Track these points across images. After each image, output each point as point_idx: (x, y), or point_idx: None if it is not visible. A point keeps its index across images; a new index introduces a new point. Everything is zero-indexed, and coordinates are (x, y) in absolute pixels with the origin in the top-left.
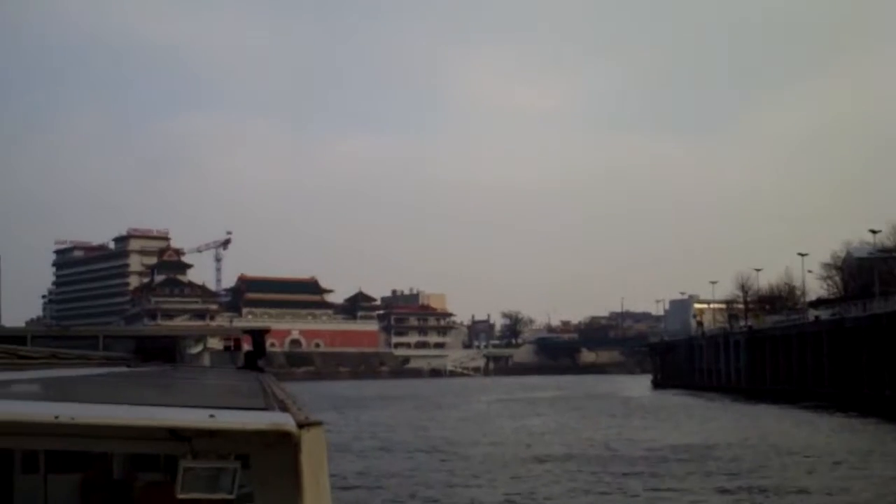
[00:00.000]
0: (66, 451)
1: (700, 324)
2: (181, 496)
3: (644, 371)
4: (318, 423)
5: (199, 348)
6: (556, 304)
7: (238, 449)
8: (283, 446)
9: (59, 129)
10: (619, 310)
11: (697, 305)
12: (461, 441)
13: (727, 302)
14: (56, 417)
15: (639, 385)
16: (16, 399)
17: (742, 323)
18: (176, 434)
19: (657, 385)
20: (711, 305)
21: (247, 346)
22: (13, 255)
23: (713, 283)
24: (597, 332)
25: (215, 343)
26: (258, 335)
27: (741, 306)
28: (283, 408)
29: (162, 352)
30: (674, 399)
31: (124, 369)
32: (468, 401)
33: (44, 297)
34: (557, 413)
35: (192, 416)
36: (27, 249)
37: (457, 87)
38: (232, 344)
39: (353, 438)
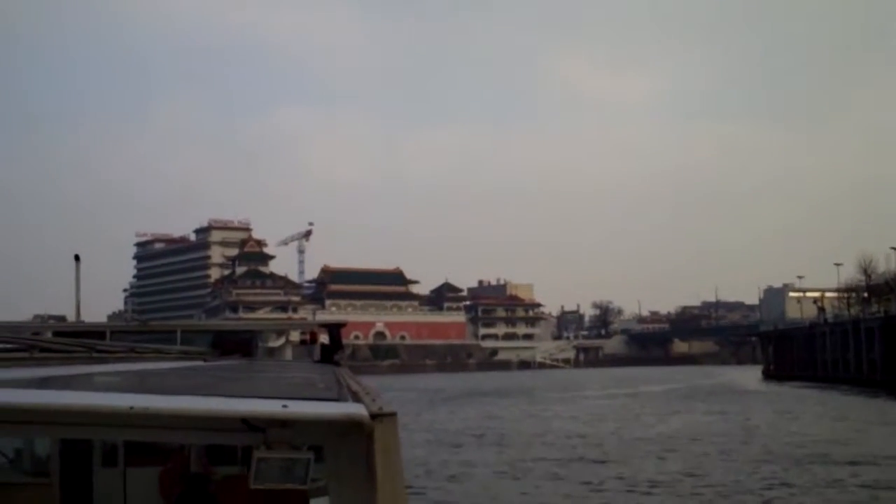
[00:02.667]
0: (145, 445)
1: (822, 310)
2: (255, 486)
3: (740, 362)
4: (391, 414)
5: (280, 342)
6: (646, 294)
7: (311, 440)
8: (356, 437)
9: (148, 122)
10: (710, 299)
11: (792, 294)
12: (628, 456)
13: (821, 290)
14: (131, 408)
15: (746, 377)
16: (93, 391)
17: (869, 309)
18: (249, 424)
19: (769, 376)
20: (807, 294)
21: (324, 340)
22: (95, 249)
23: (837, 264)
24: (688, 322)
25: (294, 337)
26: (335, 329)
27: (845, 294)
28: (357, 399)
29: (239, 346)
30: (805, 392)
31: (200, 363)
32: (577, 396)
33: (125, 290)
34: (695, 411)
35: (265, 407)
36: (110, 243)
37: (550, 78)
38: (308, 337)
39: (475, 447)
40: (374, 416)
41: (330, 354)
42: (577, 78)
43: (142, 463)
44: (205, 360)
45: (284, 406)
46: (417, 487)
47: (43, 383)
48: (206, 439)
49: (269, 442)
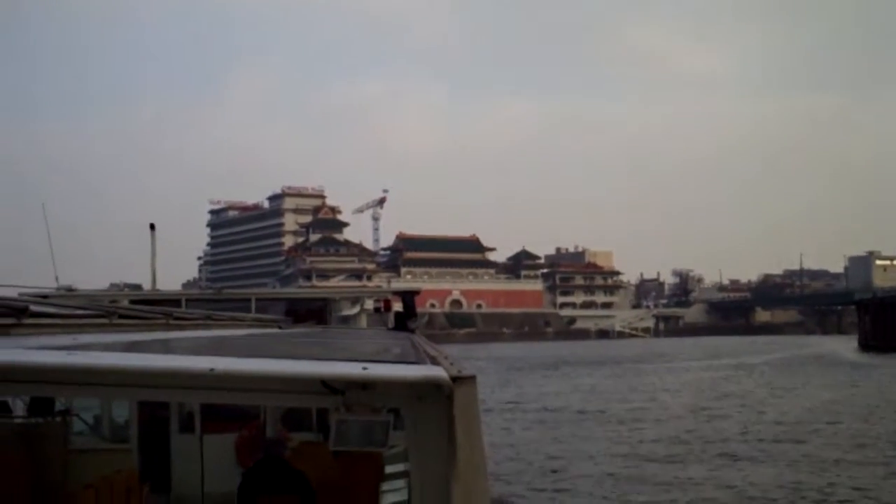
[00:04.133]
0: (221, 412)
1: None
2: (335, 448)
3: (825, 332)
4: (471, 377)
5: (355, 310)
6: (726, 262)
7: (391, 402)
8: (435, 399)
9: (224, 90)
10: (793, 267)
11: (879, 262)
12: (785, 439)
13: None
14: (211, 370)
15: (841, 347)
16: (172, 354)
17: None
18: (329, 386)
19: (868, 347)
20: (894, 262)
21: (398, 308)
22: (170, 217)
23: None
24: (770, 291)
25: (368, 305)
26: (408, 296)
27: None
28: (435, 363)
29: (313, 313)
30: None
31: (276, 330)
32: (672, 367)
33: (199, 258)
34: (812, 384)
35: (344, 369)
36: (184, 211)
37: (632, 47)
38: (382, 305)
39: (577, 427)
40: (454, 379)
41: (404, 322)
42: (660, 48)
43: (218, 429)
44: (279, 328)
45: (364, 368)
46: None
47: (123, 347)
48: (285, 402)
49: (348, 404)
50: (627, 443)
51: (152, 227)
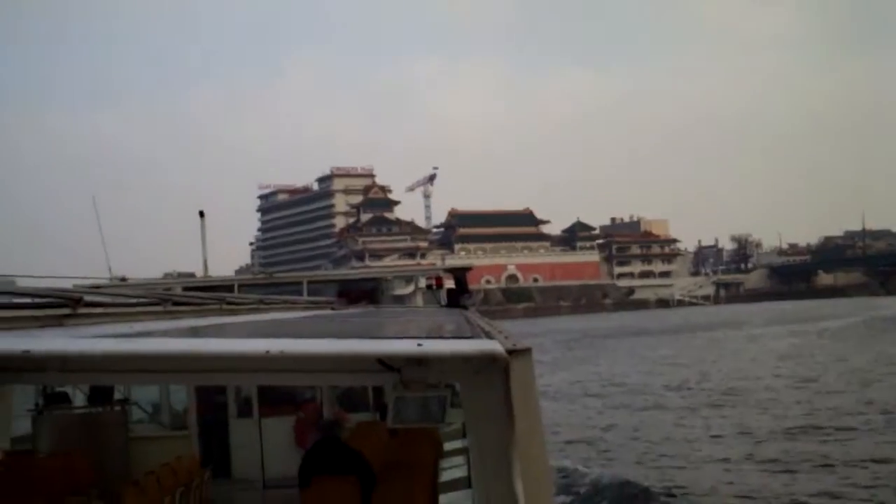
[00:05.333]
0: (278, 396)
1: None
2: (393, 426)
3: (890, 293)
4: (527, 350)
5: (409, 288)
6: (784, 225)
7: (447, 378)
8: (492, 372)
9: (271, 74)
10: (854, 227)
11: None
12: None
13: None
14: (267, 352)
15: None
16: (228, 338)
17: None
18: (385, 364)
19: None
20: None
21: (450, 285)
22: (221, 204)
23: None
24: (831, 253)
25: (422, 283)
26: (460, 273)
27: None
28: (490, 337)
29: (365, 294)
30: None
31: (329, 312)
32: (751, 335)
33: (251, 244)
34: None
35: (400, 346)
36: (236, 196)
37: (689, 12)
38: (434, 283)
39: (679, 412)
40: (509, 352)
41: (457, 298)
42: (718, 10)
43: (275, 413)
44: (332, 309)
45: (419, 345)
46: None
47: (178, 333)
48: (341, 381)
49: (405, 381)
50: (745, 433)
51: (202, 214)
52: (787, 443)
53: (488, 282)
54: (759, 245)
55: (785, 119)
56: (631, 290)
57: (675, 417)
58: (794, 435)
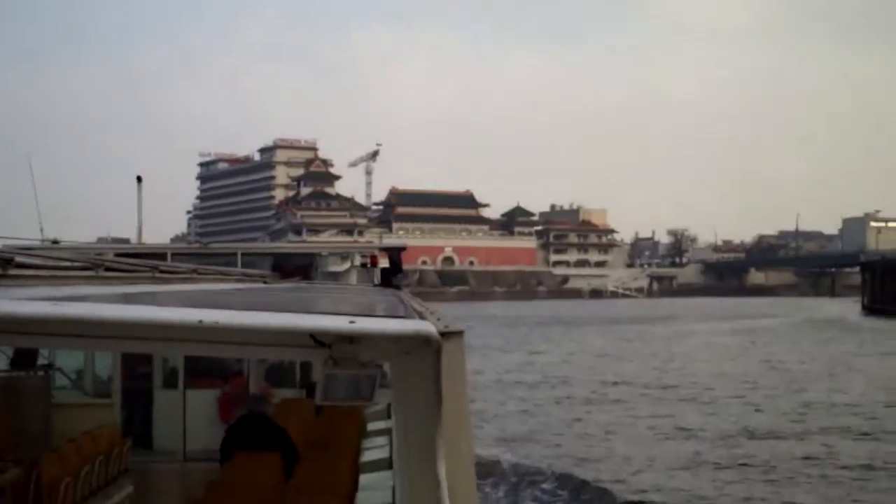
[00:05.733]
0: (204, 367)
1: None
2: (321, 402)
3: (819, 294)
4: (459, 332)
5: (345, 266)
6: (721, 221)
7: (377, 356)
8: (423, 353)
9: (214, 41)
10: (787, 228)
11: (874, 224)
12: None
13: None
14: (200, 321)
15: (843, 310)
16: (160, 306)
17: None
18: (317, 339)
19: (872, 311)
20: (889, 224)
21: (385, 264)
22: (160, 169)
23: None
24: (765, 252)
25: (357, 261)
26: (394, 252)
27: None
28: (422, 318)
29: (299, 269)
30: None
31: (262, 285)
32: (682, 331)
33: (188, 212)
34: (855, 351)
35: (332, 322)
36: (175, 163)
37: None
38: (368, 261)
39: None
40: (442, 334)
41: (390, 278)
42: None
43: (201, 385)
44: (265, 283)
45: (352, 322)
46: None
47: (110, 299)
48: (272, 355)
49: (336, 358)
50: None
51: (139, 179)
52: (733, 446)
53: (424, 263)
54: (694, 240)
55: (729, 114)
56: (565, 279)
57: (613, 411)
58: (736, 437)
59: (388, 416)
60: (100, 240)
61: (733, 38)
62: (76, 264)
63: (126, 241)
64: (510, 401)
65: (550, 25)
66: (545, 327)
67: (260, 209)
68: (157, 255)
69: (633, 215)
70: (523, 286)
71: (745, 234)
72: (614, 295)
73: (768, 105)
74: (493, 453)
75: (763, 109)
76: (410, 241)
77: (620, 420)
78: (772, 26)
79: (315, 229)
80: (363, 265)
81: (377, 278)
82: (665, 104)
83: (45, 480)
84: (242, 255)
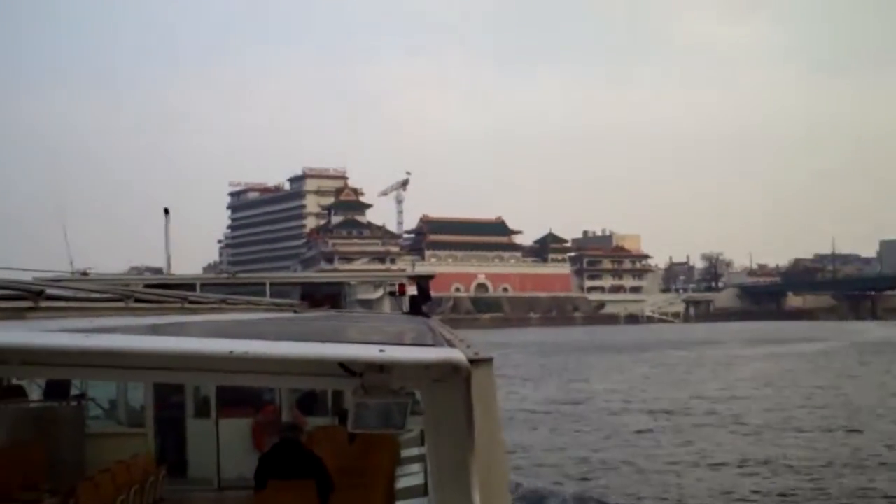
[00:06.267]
0: (236, 397)
1: None
2: (353, 430)
3: (859, 317)
4: (488, 360)
5: (377, 294)
6: (756, 246)
7: (407, 384)
8: (453, 381)
9: (246, 71)
10: (824, 251)
11: None
12: None
13: None
14: (231, 352)
15: (888, 332)
16: (190, 336)
17: None
18: (347, 369)
19: None
20: None
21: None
22: (192, 200)
23: None
24: (801, 276)
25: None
26: (423, 281)
27: None
28: (451, 346)
29: (329, 298)
30: None
31: (291, 315)
32: (729, 356)
33: (220, 241)
34: None
35: (362, 351)
36: (206, 194)
37: (664, 26)
38: (396, 290)
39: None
40: (471, 361)
41: (419, 306)
42: (692, 25)
43: (233, 414)
44: (295, 312)
45: (381, 350)
46: None
47: (140, 330)
48: (304, 384)
49: (367, 387)
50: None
51: (166, 211)
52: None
53: (458, 290)
54: (729, 264)
55: (761, 139)
56: (601, 305)
57: (657, 441)
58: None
59: (422, 443)
60: (132, 269)
61: (768, 62)
62: (106, 296)
63: (158, 270)
64: (560, 433)
65: (578, 52)
66: (589, 354)
67: (291, 238)
68: (186, 285)
69: (667, 240)
70: (559, 312)
71: (780, 258)
72: (651, 320)
73: (801, 129)
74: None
75: (796, 133)
76: (443, 269)
77: (679, 452)
78: (806, 51)
79: (347, 257)
80: (391, 294)
81: (406, 306)
82: (695, 128)
83: None
84: (271, 284)
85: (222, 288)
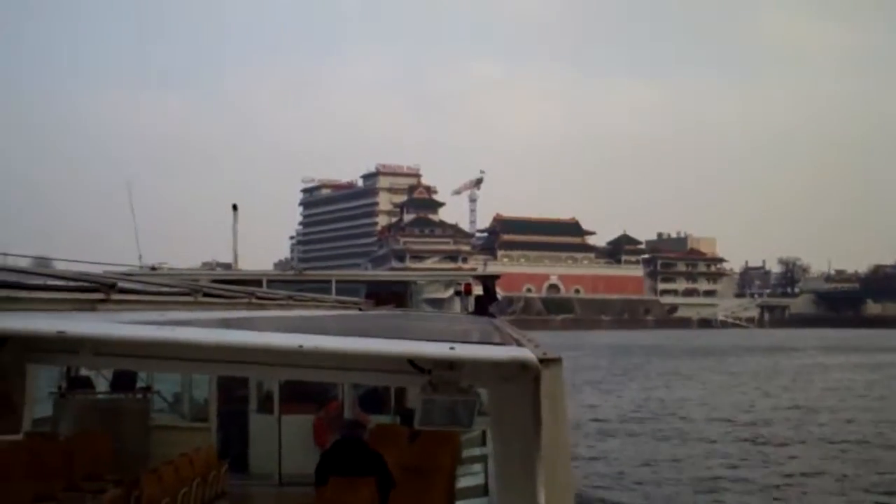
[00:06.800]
0: (299, 393)
1: None
2: (420, 427)
3: None
4: (557, 359)
5: (448, 292)
6: (834, 251)
7: (476, 383)
8: (522, 380)
9: (324, 69)
10: None
11: None
12: None
13: None
14: (300, 346)
15: None
16: (259, 331)
17: None
18: (416, 365)
19: None
20: None
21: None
22: (264, 196)
23: None
24: (881, 282)
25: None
26: (489, 281)
27: None
28: (520, 345)
29: (394, 296)
30: None
31: (356, 312)
32: (817, 364)
33: (291, 238)
34: None
35: (432, 348)
36: (278, 191)
37: (746, 29)
38: (463, 289)
39: None
40: (541, 361)
41: (484, 306)
42: (779, 26)
43: (296, 410)
44: (360, 310)
45: (451, 348)
46: None
47: (210, 323)
48: (371, 380)
49: (435, 384)
50: None
51: (235, 207)
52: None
53: (529, 290)
54: (806, 270)
55: (839, 142)
56: (674, 308)
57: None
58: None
59: (483, 444)
60: (204, 265)
61: (845, 65)
62: (175, 290)
63: (229, 266)
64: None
65: (655, 52)
66: (665, 358)
67: (362, 235)
68: (253, 281)
69: (742, 244)
70: (631, 315)
71: (860, 264)
72: (724, 325)
73: (878, 131)
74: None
75: (873, 136)
76: (515, 269)
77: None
78: (878, 51)
79: (418, 256)
80: (457, 293)
81: (471, 306)
82: (773, 130)
83: (144, 500)
84: (337, 282)
85: (289, 284)
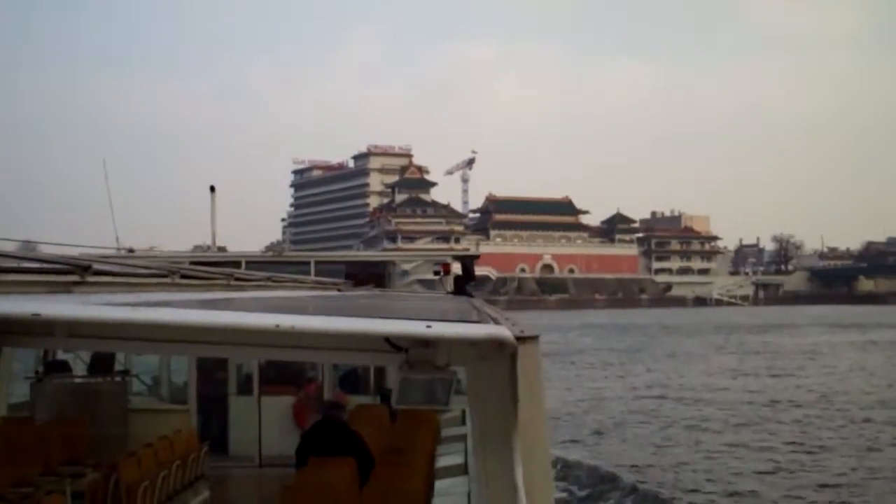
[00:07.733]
0: (279, 375)
1: None
2: (397, 406)
3: None
4: (534, 337)
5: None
6: (827, 229)
7: (453, 361)
8: (499, 358)
9: (316, 52)
10: None
11: None
12: None
13: None
14: (277, 326)
15: None
16: (236, 311)
17: None
18: (392, 344)
19: None
20: None
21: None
22: (255, 178)
23: None
24: (874, 258)
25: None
26: (467, 261)
27: None
28: (497, 323)
29: (373, 277)
30: None
31: (335, 293)
32: (817, 343)
33: (283, 220)
34: None
35: (408, 326)
36: (269, 172)
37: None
38: (441, 269)
39: None
40: (517, 339)
41: (463, 286)
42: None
43: (276, 392)
44: (339, 290)
45: (428, 326)
46: None
47: (186, 304)
48: (349, 359)
49: (412, 362)
50: None
51: (212, 189)
52: None
53: (523, 270)
54: (800, 247)
55: (834, 121)
56: (668, 287)
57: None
58: None
59: (463, 423)
60: (196, 248)
61: (836, 44)
62: (152, 272)
63: (223, 249)
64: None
65: (650, 34)
66: (664, 337)
67: (354, 216)
68: (231, 262)
69: (736, 222)
70: (625, 294)
71: (853, 241)
72: (719, 303)
73: (871, 110)
74: None
75: (865, 114)
76: (508, 249)
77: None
78: (876, 30)
79: (410, 236)
80: (435, 273)
81: (450, 285)
82: (767, 109)
83: (123, 484)
84: (316, 263)
85: (268, 266)
